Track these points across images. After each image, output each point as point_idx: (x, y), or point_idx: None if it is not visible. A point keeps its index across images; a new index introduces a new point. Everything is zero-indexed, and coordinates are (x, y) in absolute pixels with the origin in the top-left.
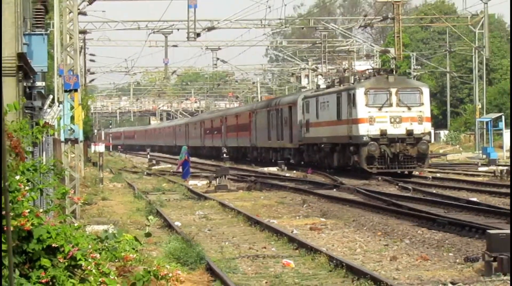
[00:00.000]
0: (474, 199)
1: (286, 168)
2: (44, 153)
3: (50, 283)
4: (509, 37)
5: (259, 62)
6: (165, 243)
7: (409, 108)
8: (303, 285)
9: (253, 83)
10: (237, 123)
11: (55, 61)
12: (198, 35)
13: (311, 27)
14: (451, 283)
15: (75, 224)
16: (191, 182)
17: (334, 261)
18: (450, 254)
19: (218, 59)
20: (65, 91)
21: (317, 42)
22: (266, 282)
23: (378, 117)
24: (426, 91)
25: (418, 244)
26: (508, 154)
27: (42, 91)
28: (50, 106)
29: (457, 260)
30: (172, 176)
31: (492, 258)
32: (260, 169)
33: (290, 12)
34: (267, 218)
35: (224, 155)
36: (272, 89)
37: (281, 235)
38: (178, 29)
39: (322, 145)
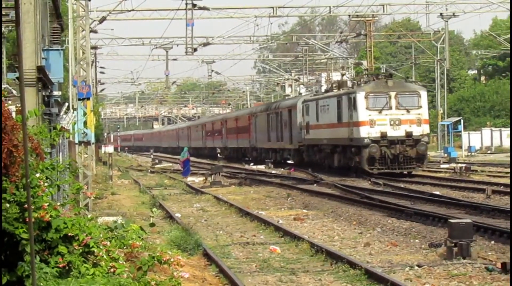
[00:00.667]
0: (437, 192)
1: (272, 166)
2: (60, 153)
3: (67, 267)
4: (510, 37)
5: (248, 73)
6: (167, 232)
7: (408, 111)
8: (288, 268)
9: (243, 91)
10: (237, 125)
11: (70, 73)
12: (195, 49)
13: (293, 42)
14: (417, 265)
15: (88, 216)
16: (190, 179)
17: (315, 247)
18: (416, 240)
19: (212, 70)
20: (79, 99)
21: (299, 55)
22: (255, 266)
23: (379, 120)
24: (424, 94)
25: (388, 232)
26: (466, 152)
27: (59, 99)
28: (65, 112)
29: (423, 246)
30: (172, 173)
31: (453, 244)
32: (249, 167)
33: (275, 29)
34: (256, 210)
35: (219, 155)
36: (260, 97)
37: (269, 224)
38: (177, 45)
39: (322, 147)
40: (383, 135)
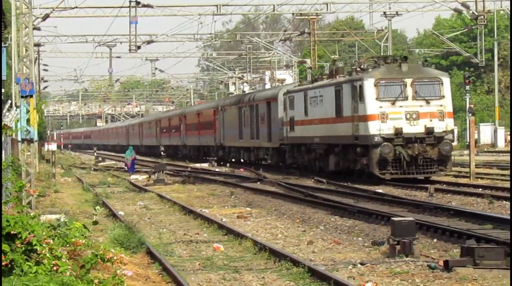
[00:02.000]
0: (380, 191)
1: (216, 164)
2: (3, 151)
3: (9, 265)
4: (510, 37)
5: (192, 71)
6: (110, 230)
7: (427, 102)
8: (231, 266)
9: (187, 89)
10: (199, 121)
11: (13, 70)
12: (139, 47)
13: (237, 40)
14: (360, 263)
15: (31, 214)
16: (133, 177)
17: (258, 245)
18: (359, 238)
19: (156, 68)
20: (22, 97)
21: (243, 53)
22: (198, 264)
23: (392, 113)
24: (446, 82)
25: (331, 230)
26: None
27: (1, 97)
28: (8, 110)
29: (365, 244)
30: (116, 171)
31: (396, 242)
32: (193, 165)
33: (219, 27)
34: (199, 208)
35: (162, 153)
36: (204, 95)
37: (212, 222)
38: (121, 43)
39: (313, 146)
40: (398, 132)
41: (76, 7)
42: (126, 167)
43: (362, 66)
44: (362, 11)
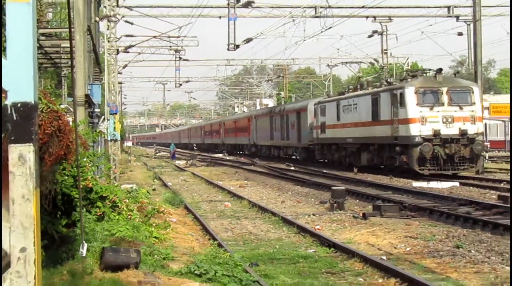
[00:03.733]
0: (325, 171)
1: (227, 154)
2: (99, 146)
3: (102, 215)
4: (510, 38)
5: (213, 98)
6: (163, 194)
7: (461, 108)
8: (235, 215)
9: (209, 110)
10: (236, 126)
11: (105, 98)
12: (180, 84)
13: (240, 81)
14: (312, 214)
15: (115, 184)
16: (177, 162)
17: (251, 203)
18: (312, 199)
19: (191, 97)
20: (111, 114)
21: (243, 88)
22: (215, 214)
23: (430, 117)
24: (476, 91)
25: (296, 194)
26: None
27: (98, 113)
28: (102, 121)
29: (316, 203)
30: (167, 159)
31: (334, 202)
32: (213, 155)
33: (229, 73)
34: (216, 181)
35: (194, 147)
36: (220, 113)
37: (224, 190)
38: (170, 81)
39: (345, 145)
40: (436, 133)
41: (143, 61)
42: (170, 155)
43: (401, 78)
44: (314, 63)
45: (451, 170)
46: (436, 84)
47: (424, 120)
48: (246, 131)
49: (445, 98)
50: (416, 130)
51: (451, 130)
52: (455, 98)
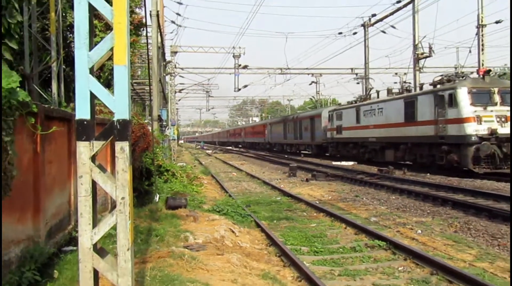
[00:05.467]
0: (286, 156)
1: (233, 146)
2: (165, 143)
3: (167, 180)
4: (510, 39)
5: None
6: (200, 168)
7: None
8: (239, 180)
9: (224, 124)
10: (253, 131)
11: (169, 116)
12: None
13: (241, 107)
14: (279, 179)
15: (174, 163)
16: (207, 151)
17: (247, 173)
18: (279, 171)
19: (214, 115)
20: (172, 125)
21: (242, 112)
22: (228, 179)
23: (485, 116)
24: None
25: (271, 169)
26: None
27: (165, 125)
28: (167, 129)
29: (282, 173)
30: (202, 150)
31: (291, 172)
32: (229, 148)
33: (235, 103)
34: (229, 161)
35: (216, 144)
36: (230, 125)
37: (233, 166)
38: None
39: (366, 144)
40: (493, 132)
41: (195, 84)
42: (200, 147)
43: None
44: (281, 98)
45: (505, 168)
46: (486, 85)
47: (479, 120)
48: (262, 133)
49: (497, 98)
50: (472, 129)
51: (506, 129)
52: (506, 98)
